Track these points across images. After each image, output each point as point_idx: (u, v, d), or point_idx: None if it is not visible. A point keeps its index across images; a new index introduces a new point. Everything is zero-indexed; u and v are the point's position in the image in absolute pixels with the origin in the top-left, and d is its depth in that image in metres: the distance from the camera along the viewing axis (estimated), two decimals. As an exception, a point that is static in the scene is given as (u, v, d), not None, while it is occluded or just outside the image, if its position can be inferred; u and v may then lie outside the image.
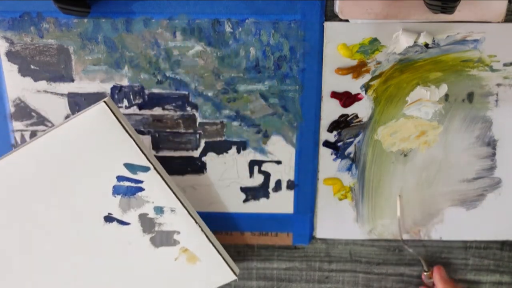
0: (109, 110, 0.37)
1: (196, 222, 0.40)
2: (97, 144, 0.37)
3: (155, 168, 0.38)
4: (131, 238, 0.40)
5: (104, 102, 0.36)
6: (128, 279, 0.42)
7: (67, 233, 0.40)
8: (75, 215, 0.39)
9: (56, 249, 0.40)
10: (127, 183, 0.39)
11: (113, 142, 0.37)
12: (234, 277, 0.43)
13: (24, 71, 0.41)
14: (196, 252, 0.41)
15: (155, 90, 0.42)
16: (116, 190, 0.39)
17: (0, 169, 0.37)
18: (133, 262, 0.41)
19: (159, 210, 0.40)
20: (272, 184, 0.44)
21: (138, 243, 0.41)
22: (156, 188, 0.39)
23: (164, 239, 0.41)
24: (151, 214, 0.40)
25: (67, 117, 0.42)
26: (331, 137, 0.43)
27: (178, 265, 0.41)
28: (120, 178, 0.38)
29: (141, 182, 0.39)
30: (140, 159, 0.38)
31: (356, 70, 0.41)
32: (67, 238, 0.40)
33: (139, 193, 0.39)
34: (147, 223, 0.40)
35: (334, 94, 0.42)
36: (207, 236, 0.41)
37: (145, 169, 0.38)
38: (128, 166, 0.38)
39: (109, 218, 0.40)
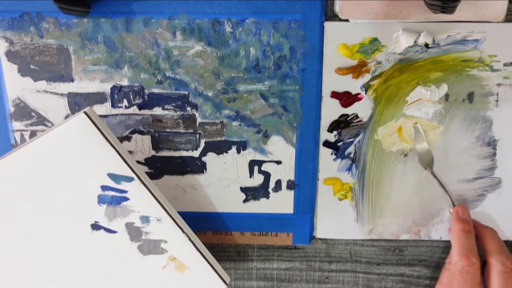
0: (89, 121, 0.36)
1: (183, 232, 0.40)
2: (79, 154, 0.37)
3: (139, 178, 0.38)
4: (119, 246, 0.40)
5: (85, 112, 0.36)
6: (118, 286, 0.42)
7: (55, 241, 0.39)
8: (62, 223, 0.39)
9: (44, 257, 0.40)
10: (111, 193, 0.38)
11: (95, 152, 0.37)
12: (224, 286, 0.42)
13: (23, 71, 0.41)
14: (184, 261, 0.41)
15: (155, 90, 0.42)
16: (101, 199, 0.39)
17: None
18: (122, 270, 0.41)
19: (145, 219, 0.40)
20: (272, 184, 0.44)
21: (126, 251, 0.40)
22: (140, 198, 0.39)
23: (151, 247, 0.41)
24: (137, 223, 0.40)
25: (66, 117, 0.42)
26: (331, 137, 0.43)
27: (167, 273, 0.41)
28: (104, 187, 0.38)
29: (125, 192, 0.39)
30: (123, 169, 0.38)
31: (356, 70, 0.41)
32: (55, 245, 0.40)
33: (124, 203, 0.39)
34: (133, 232, 0.40)
35: (334, 94, 0.42)
36: (194, 245, 0.41)
37: (129, 179, 0.38)
38: (112, 176, 0.38)
39: (96, 226, 0.39)
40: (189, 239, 0.41)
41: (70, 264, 0.40)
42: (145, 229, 0.40)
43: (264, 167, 0.44)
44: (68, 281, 0.41)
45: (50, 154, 0.37)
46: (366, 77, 0.42)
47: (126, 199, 0.39)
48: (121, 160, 0.38)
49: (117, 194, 0.39)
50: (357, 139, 0.43)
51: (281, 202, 0.45)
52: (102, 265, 0.41)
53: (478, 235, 0.42)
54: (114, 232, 0.40)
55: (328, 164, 0.44)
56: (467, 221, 0.42)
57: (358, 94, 0.42)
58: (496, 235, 0.42)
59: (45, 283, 0.41)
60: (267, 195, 0.45)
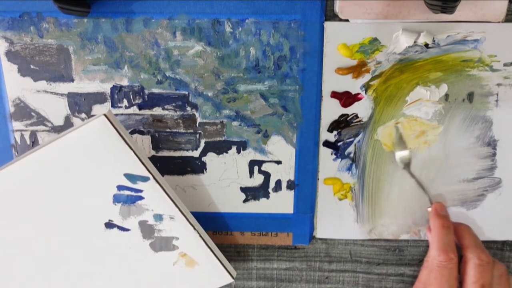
0: (109, 123, 0.37)
1: (195, 229, 0.41)
2: (97, 155, 0.38)
3: (154, 178, 0.39)
4: (131, 243, 0.41)
5: (105, 115, 0.37)
6: (129, 283, 0.42)
7: (69, 239, 0.40)
8: (76, 222, 0.40)
9: (58, 254, 0.41)
10: (127, 192, 0.39)
11: (113, 154, 0.38)
12: (231, 280, 0.43)
13: (24, 71, 0.41)
14: (194, 257, 0.42)
15: (155, 90, 0.42)
16: (116, 199, 0.39)
17: (2, 178, 0.38)
18: (133, 266, 0.42)
19: (158, 217, 0.40)
20: (272, 184, 0.44)
21: (138, 248, 0.41)
22: (155, 197, 0.40)
23: (163, 244, 0.41)
24: (151, 221, 0.40)
25: (67, 117, 0.42)
26: (331, 137, 0.43)
27: (177, 269, 0.42)
28: (120, 187, 0.39)
29: (140, 191, 0.39)
30: (139, 170, 0.39)
31: (356, 70, 0.41)
32: (69, 243, 0.40)
33: (139, 201, 0.40)
34: (146, 229, 0.41)
35: (334, 94, 0.42)
36: (205, 241, 0.41)
37: (145, 179, 0.39)
38: (128, 176, 0.39)
39: (109, 225, 0.40)
40: (200, 235, 0.41)
41: (83, 261, 0.41)
42: (158, 227, 0.41)
43: (264, 167, 0.44)
44: (80, 278, 0.42)
45: (69, 155, 0.38)
46: (366, 77, 0.42)
47: (141, 198, 0.40)
48: (138, 161, 0.38)
49: (133, 193, 0.39)
50: (357, 139, 0.43)
51: (281, 202, 0.45)
52: (114, 262, 0.41)
53: (455, 231, 0.43)
54: (127, 230, 0.41)
55: (328, 164, 0.44)
56: (445, 217, 0.42)
57: (358, 94, 0.42)
58: (471, 230, 0.43)
59: (57, 279, 0.41)
60: (267, 195, 0.45)
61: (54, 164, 0.38)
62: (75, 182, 0.38)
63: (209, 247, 0.42)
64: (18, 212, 0.39)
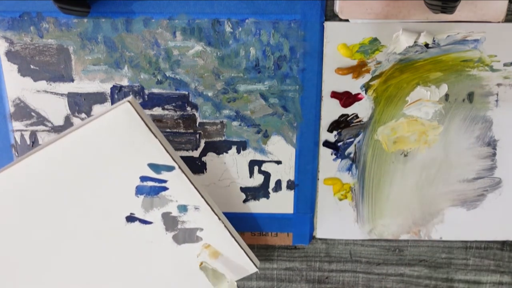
0: (134, 110, 0.36)
1: (219, 219, 0.40)
2: (120, 144, 0.36)
3: (180, 167, 0.38)
4: (153, 236, 0.40)
5: (129, 101, 0.35)
6: (150, 277, 0.42)
7: (88, 233, 0.39)
8: (96, 215, 0.39)
9: (78, 249, 0.40)
10: (150, 183, 0.38)
11: (137, 143, 0.36)
12: (255, 269, 0.42)
13: (23, 71, 0.41)
14: (219, 247, 0.41)
15: (155, 90, 0.42)
16: (139, 190, 0.38)
17: (22, 168, 0.36)
18: (155, 260, 0.41)
19: (182, 208, 0.39)
20: (272, 184, 0.44)
21: (160, 241, 0.40)
22: (180, 187, 0.38)
23: (187, 236, 0.40)
24: (175, 212, 0.39)
25: (67, 117, 0.42)
26: (331, 137, 0.43)
27: (201, 260, 0.41)
28: (143, 178, 0.38)
29: (165, 181, 0.38)
30: (164, 159, 0.37)
31: (356, 70, 0.41)
32: (89, 238, 0.39)
33: (163, 192, 0.39)
34: (170, 222, 0.40)
35: (334, 94, 0.42)
36: (229, 232, 0.41)
37: (170, 168, 0.38)
38: (152, 166, 0.37)
39: (131, 218, 0.39)
40: (225, 226, 0.40)
41: (103, 256, 0.40)
42: (182, 218, 0.40)
43: (264, 167, 0.44)
44: (99, 274, 0.41)
45: (92, 143, 0.36)
46: (366, 77, 0.42)
47: (165, 189, 0.38)
48: (163, 150, 0.37)
49: (156, 184, 0.38)
50: (357, 139, 0.43)
51: (281, 202, 0.45)
52: (135, 256, 0.40)
53: None
54: (150, 223, 0.39)
55: (328, 164, 0.44)
56: None
57: (358, 94, 0.42)
58: None
59: (76, 276, 0.41)
60: (267, 195, 0.45)
61: (75, 153, 0.36)
62: (96, 173, 0.37)
63: (233, 237, 0.41)
64: (37, 204, 0.38)
